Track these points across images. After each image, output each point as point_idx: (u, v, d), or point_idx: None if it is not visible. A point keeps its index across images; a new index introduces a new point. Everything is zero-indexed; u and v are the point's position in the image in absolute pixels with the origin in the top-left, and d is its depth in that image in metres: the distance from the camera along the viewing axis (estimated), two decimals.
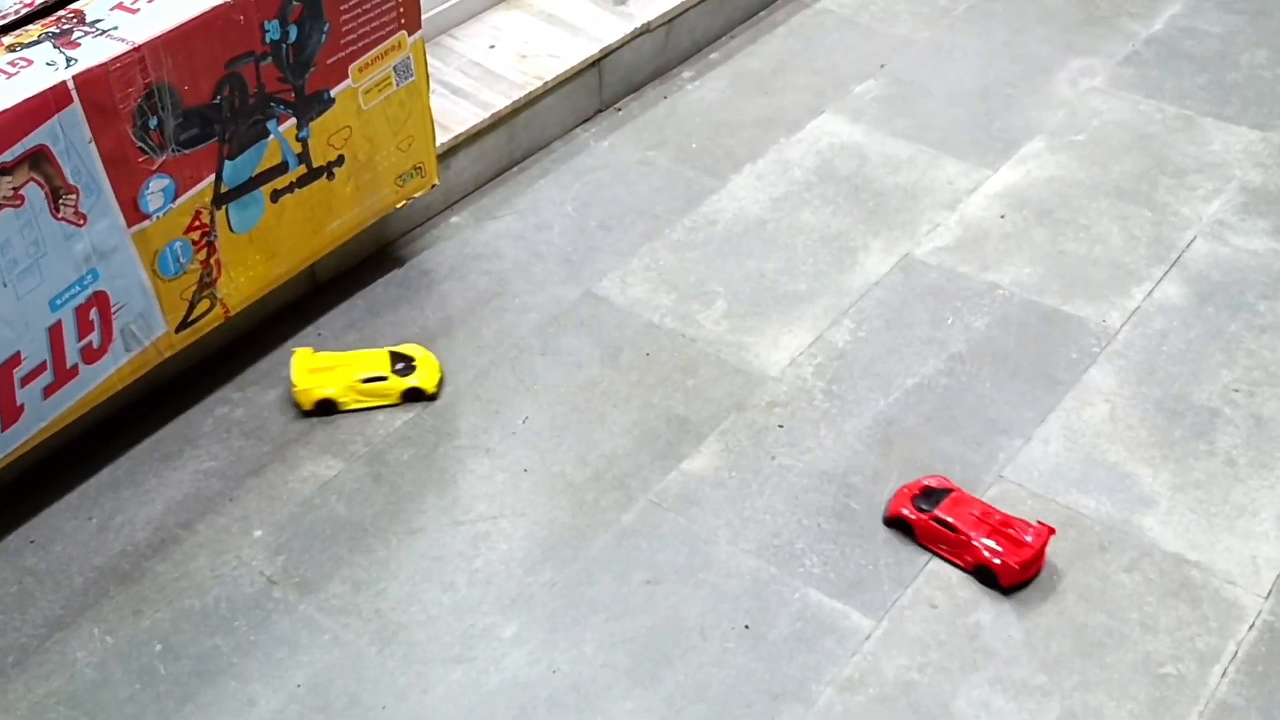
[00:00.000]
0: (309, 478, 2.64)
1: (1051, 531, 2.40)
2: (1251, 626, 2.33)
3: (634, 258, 3.19)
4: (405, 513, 2.56)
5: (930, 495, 2.48)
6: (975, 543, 2.38)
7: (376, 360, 2.79)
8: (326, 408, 2.75)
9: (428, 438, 2.72)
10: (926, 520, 2.44)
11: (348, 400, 2.75)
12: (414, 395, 2.78)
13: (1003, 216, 3.28)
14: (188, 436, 2.73)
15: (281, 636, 2.34)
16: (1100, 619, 2.35)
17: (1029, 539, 2.37)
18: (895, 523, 2.49)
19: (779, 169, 3.47)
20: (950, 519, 2.42)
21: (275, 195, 2.67)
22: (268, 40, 2.49)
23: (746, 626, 2.35)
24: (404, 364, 2.79)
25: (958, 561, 2.42)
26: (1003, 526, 2.40)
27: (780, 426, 2.74)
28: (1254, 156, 3.47)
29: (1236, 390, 2.79)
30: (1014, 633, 2.33)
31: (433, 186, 3.10)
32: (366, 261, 3.18)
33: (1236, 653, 2.29)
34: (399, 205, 3.02)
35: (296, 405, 2.76)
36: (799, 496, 2.59)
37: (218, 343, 2.87)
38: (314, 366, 2.77)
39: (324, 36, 2.61)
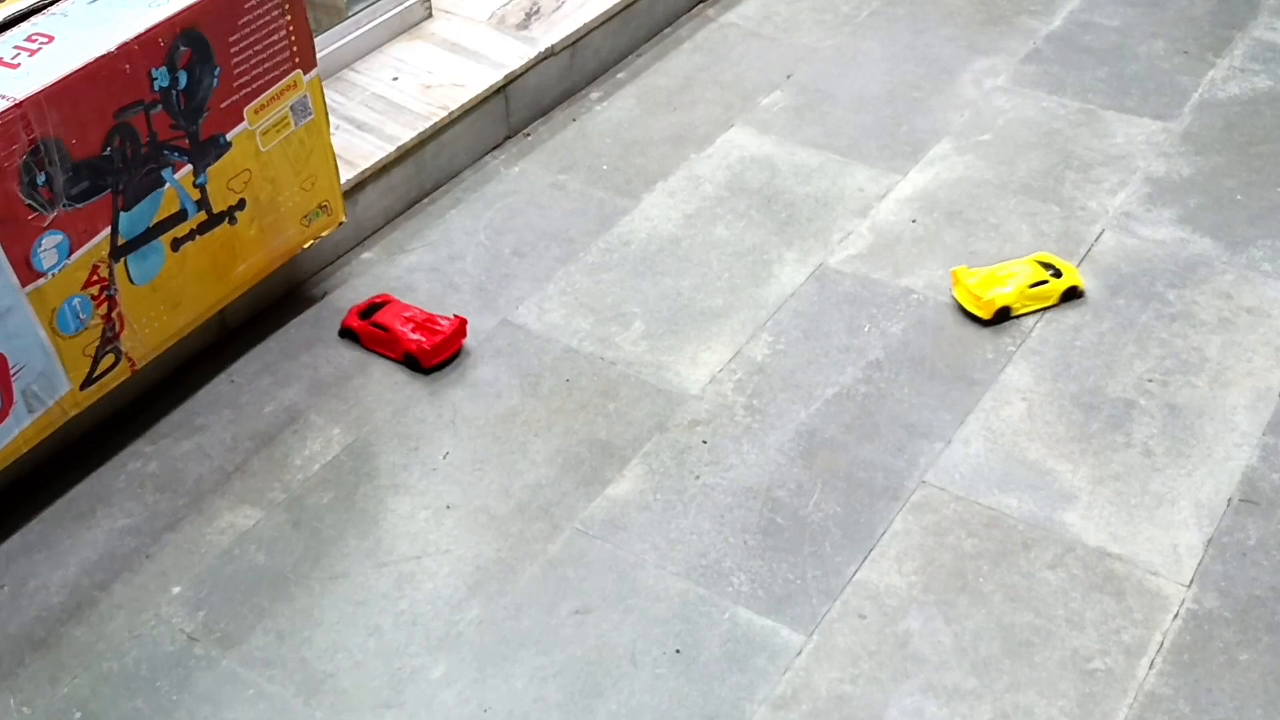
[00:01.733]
0: (227, 528, 2.59)
1: (463, 321, 2.92)
2: (1176, 616, 2.35)
3: (549, 283, 3.17)
4: (327, 558, 2.53)
5: (372, 309, 2.98)
6: (400, 336, 2.88)
7: (1032, 270, 3.03)
8: (1003, 315, 2.96)
9: (347, 479, 2.68)
10: (366, 325, 2.93)
11: (1019, 305, 2.97)
12: (1071, 294, 3.01)
13: (914, 220, 3.30)
14: (100, 494, 2.67)
15: (204, 694, 2.30)
16: (1027, 618, 2.36)
17: (441, 326, 2.89)
18: (345, 333, 2.99)
19: (690, 185, 3.47)
20: (382, 322, 2.92)
21: (176, 244, 2.62)
22: (156, 88, 2.45)
23: (678, 650, 2.34)
24: (1053, 270, 3.03)
25: (393, 355, 2.91)
26: (426, 323, 2.91)
27: (704, 443, 2.73)
28: (1156, 147, 3.52)
29: (1150, 380, 2.82)
30: (943, 637, 2.33)
31: (340, 224, 3.06)
32: (278, 303, 3.13)
33: (1163, 643, 2.31)
34: (307, 245, 2.98)
35: (974, 317, 2.97)
36: (724, 514, 2.58)
37: (127, 396, 2.82)
38: (972, 281, 2.99)
39: (215, 80, 2.57)
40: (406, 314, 2.95)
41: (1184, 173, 3.42)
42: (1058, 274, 3.02)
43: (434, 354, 2.88)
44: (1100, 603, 2.38)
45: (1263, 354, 2.86)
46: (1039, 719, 2.20)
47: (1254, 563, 2.43)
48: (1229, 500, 2.55)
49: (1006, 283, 2.98)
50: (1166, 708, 2.21)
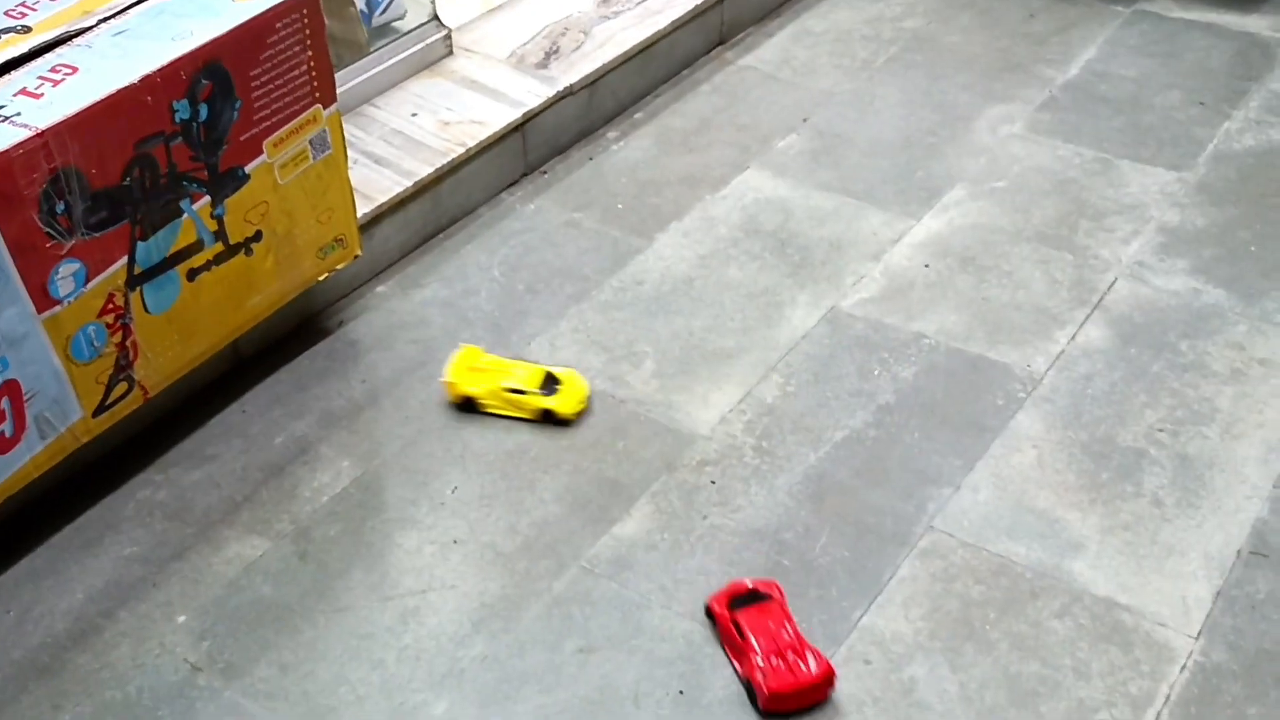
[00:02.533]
0: (234, 559, 2.59)
1: (831, 671, 2.26)
2: (1183, 668, 2.34)
3: (562, 320, 3.18)
4: (332, 590, 2.53)
5: (750, 597, 2.38)
6: (753, 654, 2.28)
7: (530, 374, 2.89)
8: (469, 405, 2.87)
9: (355, 512, 2.69)
10: (726, 618, 2.36)
11: (491, 404, 2.87)
12: (549, 417, 2.85)
13: (927, 265, 3.31)
14: (109, 522, 2.68)
15: None
16: (1034, 667, 2.34)
17: (805, 668, 2.25)
18: (707, 612, 2.43)
19: (705, 226, 3.48)
20: (743, 623, 2.33)
21: (192, 274, 2.64)
22: (177, 120, 2.47)
23: (681, 692, 2.33)
24: (551, 385, 2.87)
25: (739, 670, 2.33)
26: (790, 649, 2.28)
27: (713, 483, 2.73)
28: (1170, 197, 3.52)
29: (1161, 430, 2.81)
30: (948, 686, 2.32)
31: (356, 258, 3.08)
32: (291, 334, 3.15)
33: (1169, 695, 2.29)
34: (321, 278, 3.00)
35: (445, 397, 2.89)
36: (731, 556, 2.57)
37: (138, 425, 2.83)
38: (472, 365, 2.90)
39: (236, 114, 2.60)
40: (772, 624, 2.32)
41: (1198, 223, 3.42)
42: (551, 391, 2.86)
43: (776, 700, 2.25)
44: (1107, 653, 2.36)
45: (1274, 406, 2.85)
46: None
47: (1263, 616, 2.41)
48: (1239, 552, 2.53)
49: (496, 378, 2.87)
50: None
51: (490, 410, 2.88)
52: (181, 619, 2.48)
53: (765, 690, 2.22)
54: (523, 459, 2.80)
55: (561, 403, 2.86)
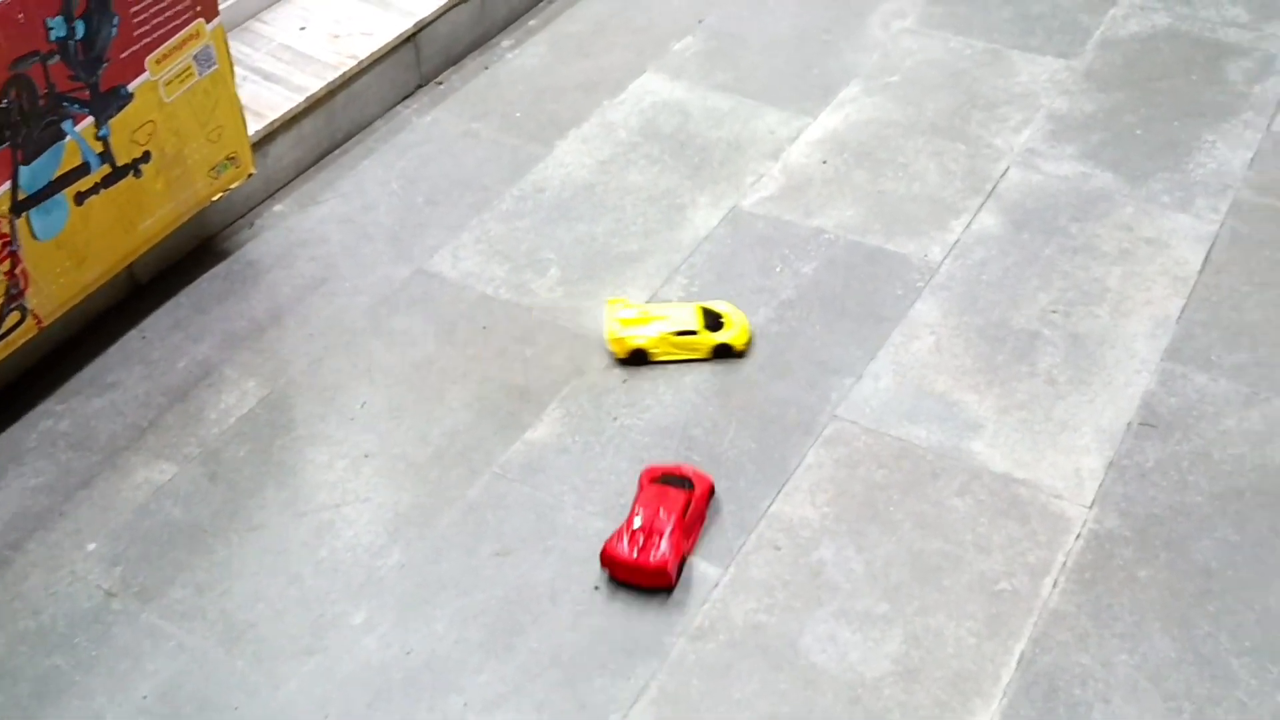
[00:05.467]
0: (142, 484, 2.58)
1: (665, 568, 2.31)
2: (1078, 536, 2.43)
3: (464, 231, 3.17)
4: (245, 510, 2.52)
5: (672, 479, 2.45)
6: (630, 519, 2.38)
7: (691, 314, 2.82)
8: (639, 357, 2.79)
9: (263, 432, 2.68)
10: (641, 486, 2.45)
11: (659, 352, 2.79)
12: (724, 351, 2.79)
13: (824, 162, 3.34)
14: (11, 454, 2.64)
15: (124, 648, 2.29)
16: (936, 544, 2.42)
17: (645, 554, 2.32)
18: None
19: (604, 131, 3.47)
20: (642, 495, 2.42)
21: (79, 198, 2.58)
22: (53, 38, 2.40)
23: (596, 588, 2.37)
24: (715, 320, 2.81)
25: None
26: (656, 533, 2.34)
27: (624, 382, 2.76)
28: (1059, 85, 3.58)
29: (1054, 311, 2.89)
30: (855, 565, 2.39)
31: (249, 176, 3.03)
32: (188, 257, 3.10)
33: (1065, 563, 2.39)
34: (215, 198, 2.95)
35: (610, 354, 2.81)
36: (641, 454, 2.61)
37: (35, 354, 2.78)
38: (626, 319, 2.81)
39: (114, 30, 2.53)
40: (667, 511, 2.38)
41: (1086, 109, 3.48)
42: (717, 326, 2.81)
43: (604, 560, 2.37)
44: (1006, 527, 2.45)
45: (1161, 283, 2.94)
46: (948, 640, 2.27)
47: (1152, 483, 2.51)
48: (1129, 424, 2.63)
49: (650, 324, 2.79)
50: (1069, 624, 2.28)
51: (660, 358, 2.79)
52: (92, 546, 2.47)
53: (603, 548, 2.36)
54: (429, 370, 2.81)
55: (736, 336, 2.79)
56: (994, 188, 3.23)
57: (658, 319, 2.81)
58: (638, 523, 2.37)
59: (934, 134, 3.42)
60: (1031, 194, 3.21)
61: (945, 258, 3.03)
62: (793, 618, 2.31)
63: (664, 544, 2.33)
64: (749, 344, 2.83)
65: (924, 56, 3.71)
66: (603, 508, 2.50)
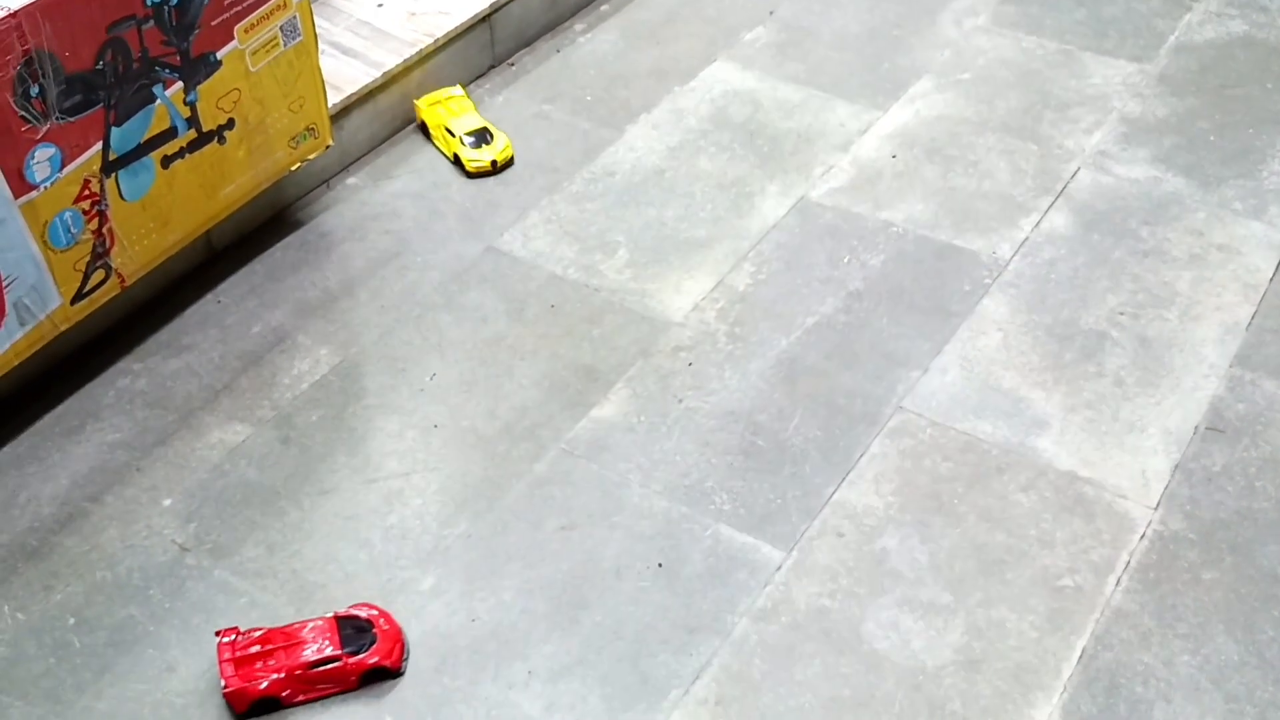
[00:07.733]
0: (217, 444, 2.62)
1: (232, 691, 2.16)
2: (1143, 536, 2.43)
3: (534, 211, 3.20)
4: (316, 474, 2.56)
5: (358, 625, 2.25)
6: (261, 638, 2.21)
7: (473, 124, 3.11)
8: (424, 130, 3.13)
9: (335, 399, 2.72)
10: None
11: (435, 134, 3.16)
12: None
13: (894, 156, 3.35)
14: (90, 410, 2.70)
15: (197, 602, 2.34)
16: (1000, 538, 2.43)
17: (261, 684, 2.17)
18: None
19: (674, 118, 3.49)
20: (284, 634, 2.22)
21: (166, 161, 2.63)
22: (149, 3, 2.45)
23: (660, 565, 2.40)
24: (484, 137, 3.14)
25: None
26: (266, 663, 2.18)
27: (690, 365, 2.78)
28: (1132, 88, 3.57)
29: (1122, 313, 2.89)
30: (919, 555, 2.40)
31: (327, 147, 3.07)
32: (264, 226, 3.15)
33: (1129, 562, 2.39)
34: (294, 168, 2.99)
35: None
36: (707, 437, 2.63)
37: (115, 314, 2.83)
38: (437, 101, 3.21)
39: None
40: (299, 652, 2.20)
41: (1159, 113, 3.47)
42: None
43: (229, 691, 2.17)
44: (1070, 524, 2.45)
45: (1232, 289, 2.93)
46: (1010, 632, 2.28)
47: (1219, 487, 2.51)
48: (1196, 428, 2.63)
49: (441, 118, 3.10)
50: (1132, 622, 2.29)
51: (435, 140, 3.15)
52: (167, 502, 2.52)
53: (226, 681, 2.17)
54: (500, 346, 2.84)
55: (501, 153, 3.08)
56: (1064, 188, 3.23)
57: (447, 114, 3.06)
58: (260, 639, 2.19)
59: (1005, 132, 3.41)
60: (1102, 195, 3.20)
61: (1014, 255, 3.04)
62: (855, 604, 2.33)
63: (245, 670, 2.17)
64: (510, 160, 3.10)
65: (996, 55, 3.71)
66: (667, 487, 2.53)
